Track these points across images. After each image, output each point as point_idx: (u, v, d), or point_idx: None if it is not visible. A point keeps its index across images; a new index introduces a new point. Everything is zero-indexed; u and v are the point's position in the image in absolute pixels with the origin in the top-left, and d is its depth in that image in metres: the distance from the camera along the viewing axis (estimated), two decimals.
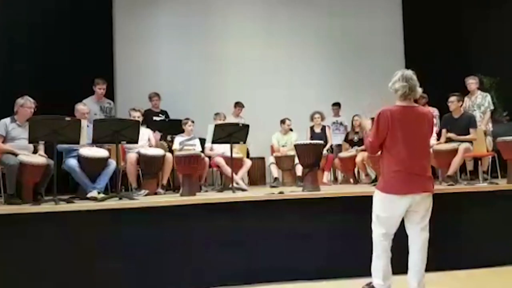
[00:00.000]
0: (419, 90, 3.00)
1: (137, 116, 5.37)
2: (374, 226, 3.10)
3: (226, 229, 3.84)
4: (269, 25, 8.20)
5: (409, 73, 3.02)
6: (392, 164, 2.96)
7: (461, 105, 5.41)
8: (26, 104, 4.45)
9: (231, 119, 6.67)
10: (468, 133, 5.16)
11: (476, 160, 5.68)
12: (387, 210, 2.99)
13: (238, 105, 7.05)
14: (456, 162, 4.96)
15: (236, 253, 3.81)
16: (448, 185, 4.67)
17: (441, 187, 4.63)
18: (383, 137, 2.98)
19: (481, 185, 4.65)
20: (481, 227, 4.11)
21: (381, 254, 3.06)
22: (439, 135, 5.47)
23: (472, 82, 6.16)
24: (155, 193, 5.13)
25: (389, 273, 3.09)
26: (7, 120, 4.44)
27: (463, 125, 5.22)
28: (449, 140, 5.25)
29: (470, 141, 5.15)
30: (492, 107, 6.16)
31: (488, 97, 6.14)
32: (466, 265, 3.95)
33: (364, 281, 3.29)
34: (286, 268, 3.81)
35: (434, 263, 3.84)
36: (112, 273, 3.60)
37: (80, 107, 5.07)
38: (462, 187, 4.57)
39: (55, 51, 6.54)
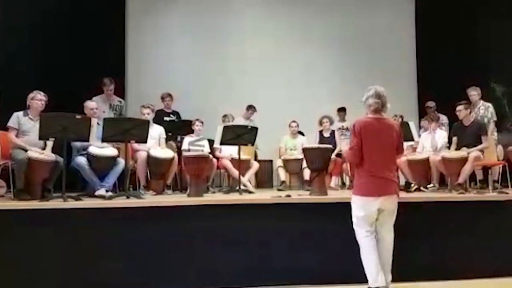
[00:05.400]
0: (389, 106, 3.36)
1: (146, 113, 5.36)
2: (356, 227, 3.35)
3: (232, 231, 3.83)
4: (287, 23, 8.12)
5: (382, 90, 3.35)
6: (366, 170, 3.28)
7: (470, 112, 5.35)
8: (36, 96, 4.49)
9: (240, 121, 6.66)
10: (479, 141, 5.10)
11: (486, 169, 5.61)
12: (364, 211, 3.27)
13: (251, 108, 6.97)
14: (466, 170, 4.90)
15: (242, 255, 3.80)
16: (459, 193, 4.62)
17: (451, 195, 4.60)
18: (359, 144, 3.26)
19: (491, 194, 4.60)
20: (490, 236, 4.06)
21: (369, 250, 3.25)
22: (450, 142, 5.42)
23: (474, 94, 6.11)
24: (162, 193, 5.14)
25: (380, 269, 3.23)
26: (20, 113, 4.48)
27: (474, 132, 5.18)
28: (459, 148, 5.19)
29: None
30: (495, 118, 6.10)
31: (491, 108, 6.10)
32: (475, 274, 3.89)
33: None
34: (291, 271, 3.79)
35: (442, 271, 3.85)
36: (116, 272, 3.61)
37: (88, 102, 5.10)
38: (472, 195, 4.52)
39: (62, 49, 6.51)
